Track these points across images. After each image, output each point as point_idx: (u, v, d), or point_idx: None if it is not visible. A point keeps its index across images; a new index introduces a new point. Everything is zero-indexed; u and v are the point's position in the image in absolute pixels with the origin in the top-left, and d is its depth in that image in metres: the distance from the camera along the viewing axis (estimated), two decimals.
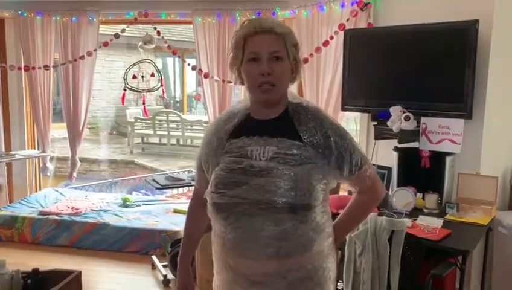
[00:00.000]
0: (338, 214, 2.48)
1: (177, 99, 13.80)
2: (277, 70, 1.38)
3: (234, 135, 1.45)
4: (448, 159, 2.87)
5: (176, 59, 11.78)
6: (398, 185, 2.97)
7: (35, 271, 2.33)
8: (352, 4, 3.68)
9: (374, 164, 3.27)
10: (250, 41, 1.39)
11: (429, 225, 2.45)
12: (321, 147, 1.37)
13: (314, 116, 1.41)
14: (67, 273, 2.37)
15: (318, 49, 3.89)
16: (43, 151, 5.06)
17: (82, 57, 4.71)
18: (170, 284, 3.54)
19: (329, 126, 1.40)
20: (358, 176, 1.44)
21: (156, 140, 11.08)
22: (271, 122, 1.43)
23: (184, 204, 4.98)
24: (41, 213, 4.48)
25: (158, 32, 4.67)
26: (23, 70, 4.83)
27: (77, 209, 4.57)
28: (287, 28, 1.44)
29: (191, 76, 12.40)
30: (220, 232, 1.42)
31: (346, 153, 1.39)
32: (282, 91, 1.42)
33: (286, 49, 1.40)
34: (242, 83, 1.45)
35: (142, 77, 4.90)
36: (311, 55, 3.93)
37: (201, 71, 4.54)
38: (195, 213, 1.63)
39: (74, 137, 4.98)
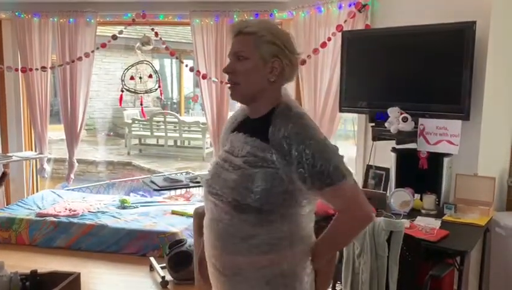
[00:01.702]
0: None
1: (175, 101, 13.80)
2: (239, 69, 1.42)
3: (233, 131, 1.54)
4: (445, 160, 2.88)
5: (173, 60, 11.79)
6: (396, 186, 2.98)
7: (34, 273, 2.33)
8: (350, 6, 3.69)
9: (371, 165, 3.30)
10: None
11: (427, 226, 2.46)
12: (284, 152, 1.33)
13: (287, 121, 1.36)
14: (66, 275, 2.37)
15: (316, 51, 3.90)
16: (40, 153, 5.05)
17: (79, 59, 4.70)
18: (168, 286, 3.54)
19: (295, 132, 1.33)
20: (329, 193, 1.34)
21: (153, 141, 11.06)
22: (254, 122, 1.48)
23: (182, 205, 4.98)
24: (39, 215, 4.47)
25: (156, 34, 4.67)
26: (20, 71, 4.82)
27: (75, 210, 4.56)
28: (261, 26, 1.42)
29: (188, 77, 12.41)
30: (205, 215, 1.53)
31: (308, 165, 1.30)
32: (249, 89, 1.44)
33: (256, 47, 1.40)
34: None
35: (140, 78, 4.88)
36: (308, 56, 3.94)
37: (199, 72, 4.55)
38: None
39: (71, 138, 4.96)
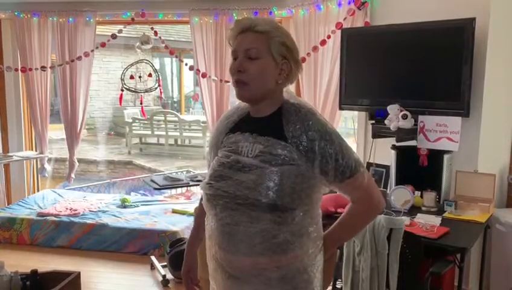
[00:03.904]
0: (337, 213, 2.51)
1: (175, 100, 13.80)
2: (250, 68, 1.37)
3: (232, 130, 1.49)
4: (446, 157, 2.88)
5: (173, 59, 11.77)
6: (396, 184, 2.98)
7: (34, 272, 2.33)
8: (349, 3, 3.68)
9: (372, 163, 3.30)
10: (235, 40, 1.42)
11: (427, 223, 2.46)
12: (305, 149, 1.34)
13: (303, 118, 1.38)
14: (66, 274, 2.37)
15: (315, 49, 3.89)
16: (41, 153, 5.05)
17: (79, 58, 4.70)
18: (169, 285, 3.54)
19: (316, 129, 1.35)
20: (349, 185, 1.39)
21: (154, 140, 11.07)
22: (262, 121, 1.44)
23: (182, 204, 4.99)
24: (40, 214, 4.47)
25: (155, 33, 4.66)
26: (20, 71, 4.82)
27: (75, 210, 4.56)
28: (272, 25, 1.41)
29: (188, 76, 12.41)
30: (208, 221, 1.47)
31: (331, 159, 1.34)
32: (259, 90, 1.40)
33: (268, 47, 1.38)
34: None
35: (140, 77, 4.88)
36: (308, 54, 3.93)
37: (199, 71, 4.54)
38: None
39: (72, 138, 4.97)
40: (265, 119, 1.43)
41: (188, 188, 5.23)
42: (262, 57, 1.38)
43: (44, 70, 4.83)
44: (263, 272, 1.37)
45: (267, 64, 1.39)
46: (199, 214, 1.66)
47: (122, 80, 4.73)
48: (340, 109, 3.57)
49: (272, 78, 1.41)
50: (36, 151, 5.16)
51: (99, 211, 4.64)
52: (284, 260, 1.37)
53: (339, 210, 2.53)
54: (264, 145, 1.38)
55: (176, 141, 10.88)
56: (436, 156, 2.89)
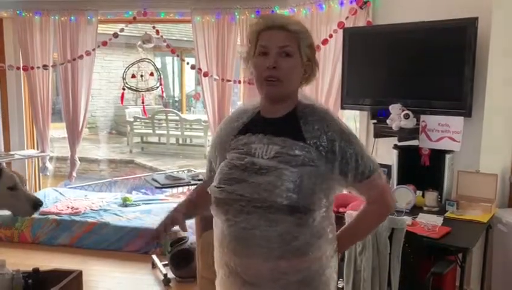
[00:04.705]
0: (339, 212, 2.51)
1: (176, 99, 13.79)
2: (284, 65, 1.36)
3: (242, 132, 1.45)
4: (447, 157, 2.88)
5: (175, 58, 11.75)
6: (398, 183, 2.97)
7: (36, 271, 2.33)
8: (351, 2, 3.67)
9: None
10: (263, 35, 1.39)
11: (429, 223, 2.46)
12: (324, 150, 1.34)
13: (321, 118, 1.38)
14: (67, 272, 2.37)
15: (317, 48, 3.88)
16: (43, 151, 5.05)
17: (81, 57, 4.70)
18: (170, 283, 3.55)
19: (335, 129, 1.36)
20: (366, 185, 1.40)
21: (155, 139, 11.06)
22: (277, 121, 1.41)
23: None
24: (41, 213, 4.46)
25: (157, 32, 4.66)
26: (21, 70, 4.82)
27: (77, 209, 4.57)
28: (302, 26, 1.42)
29: (190, 75, 12.38)
30: (219, 227, 1.43)
31: (351, 160, 1.35)
32: (289, 88, 1.40)
33: (298, 47, 1.38)
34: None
35: (141, 76, 4.89)
36: None
37: (201, 70, 4.54)
38: (202, 188, 1.55)
39: (73, 137, 4.97)
40: (279, 120, 1.41)
41: (189, 187, 5.23)
42: (294, 55, 1.38)
43: (46, 69, 4.83)
44: (283, 276, 1.34)
45: (297, 63, 1.39)
46: (199, 193, 1.57)
47: (123, 78, 4.74)
48: (342, 108, 3.56)
49: (298, 78, 1.42)
50: (38, 149, 5.16)
51: (100, 209, 4.64)
52: (303, 263, 1.35)
53: (341, 209, 2.53)
54: (280, 146, 1.36)
55: (177, 140, 10.87)
56: (438, 155, 2.89)
